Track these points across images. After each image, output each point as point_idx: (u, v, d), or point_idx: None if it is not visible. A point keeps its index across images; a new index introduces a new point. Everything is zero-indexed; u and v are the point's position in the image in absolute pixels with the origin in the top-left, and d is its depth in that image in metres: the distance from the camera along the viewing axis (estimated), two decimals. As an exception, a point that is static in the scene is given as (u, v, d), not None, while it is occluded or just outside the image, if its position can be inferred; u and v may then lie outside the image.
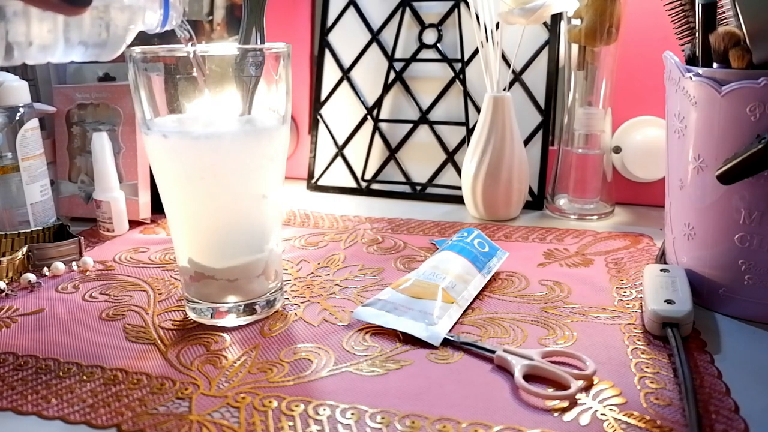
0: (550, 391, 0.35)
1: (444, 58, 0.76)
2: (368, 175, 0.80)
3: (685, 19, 0.48)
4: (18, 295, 0.50)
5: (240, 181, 0.41)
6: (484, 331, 0.43)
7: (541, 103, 0.72)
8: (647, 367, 0.38)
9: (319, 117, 0.82)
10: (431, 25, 0.77)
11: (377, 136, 0.79)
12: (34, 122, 0.61)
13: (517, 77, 0.73)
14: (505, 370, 0.38)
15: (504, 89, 0.68)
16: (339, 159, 0.82)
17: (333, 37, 0.81)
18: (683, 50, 0.48)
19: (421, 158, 0.78)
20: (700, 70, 0.42)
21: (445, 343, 0.41)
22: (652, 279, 0.45)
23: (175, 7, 0.38)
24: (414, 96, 0.78)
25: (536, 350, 0.38)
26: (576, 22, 0.63)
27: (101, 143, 0.62)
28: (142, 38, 0.42)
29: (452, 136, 0.76)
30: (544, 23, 0.72)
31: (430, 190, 0.77)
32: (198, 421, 0.33)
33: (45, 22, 0.34)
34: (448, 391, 0.36)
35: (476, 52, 0.74)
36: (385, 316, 0.43)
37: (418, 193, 0.77)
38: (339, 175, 0.81)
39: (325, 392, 0.36)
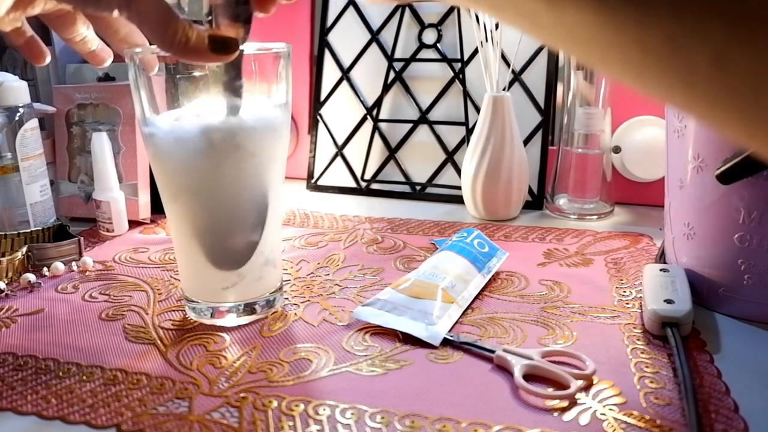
0: (549, 390, 0.35)
1: (444, 58, 0.76)
2: (368, 175, 0.80)
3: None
4: (18, 295, 0.50)
5: (240, 181, 0.41)
6: (483, 330, 0.43)
7: (541, 103, 0.72)
8: (647, 367, 0.38)
9: (318, 117, 0.82)
10: (431, 25, 0.77)
11: (377, 136, 0.79)
12: (33, 122, 0.61)
13: (516, 77, 0.73)
14: (504, 369, 0.38)
15: (504, 89, 0.68)
16: (339, 159, 0.81)
17: (333, 37, 0.81)
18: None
19: (420, 158, 0.78)
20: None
21: (445, 342, 0.41)
22: (652, 279, 0.45)
23: None
24: (414, 96, 0.78)
25: (536, 350, 0.38)
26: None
27: (101, 143, 0.62)
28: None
29: (452, 136, 0.76)
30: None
31: (430, 190, 0.77)
32: (198, 421, 0.33)
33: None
34: (447, 390, 0.36)
35: (476, 52, 0.74)
36: (385, 316, 0.43)
37: (418, 193, 0.77)
38: (339, 175, 0.81)
39: (325, 392, 0.36)
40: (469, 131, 0.75)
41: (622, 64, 0.18)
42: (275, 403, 0.35)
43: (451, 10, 0.76)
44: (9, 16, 0.36)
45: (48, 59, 0.43)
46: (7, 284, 0.51)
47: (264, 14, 0.37)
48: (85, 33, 0.41)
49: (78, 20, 0.40)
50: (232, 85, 0.39)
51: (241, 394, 0.36)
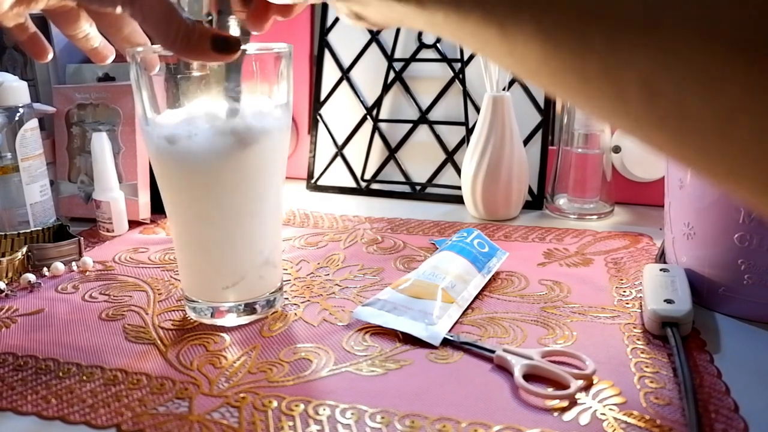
0: (549, 390, 0.35)
1: (443, 58, 0.76)
2: (368, 175, 0.80)
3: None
4: (18, 296, 0.50)
5: (240, 181, 0.41)
6: (483, 330, 0.43)
7: (541, 103, 0.72)
8: (647, 367, 0.38)
9: (318, 117, 0.82)
10: (431, 25, 0.77)
11: (377, 136, 0.79)
12: (33, 122, 0.61)
13: (516, 77, 0.73)
14: (504, 369, 0.38)
15: (503, 89, 0.68)
16: (339, 159, 0.81)
17: (332, 37, 0.81)
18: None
19: (420, 158, 0.78)
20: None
21: (445, 342, 0.41)
22: (652, 278, 0.45)
23: None
24: (414, 96, 0.78)
25: (536, 350, 0.38)
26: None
27: (101, 143, 0.62)
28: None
29: (452, 135, 0.76)
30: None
31: (430, 190, 0.77)
32: (198, 421, 0.33)
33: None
34: (447, 390, 0.36)
35: (476, 52, 0.74)
36: (385, 316, 0.43)
37: (418, 193, 0.77)
38: (339, 175, 0.81)
39: (325, 392, 0.36)
40: (469, 131, 0.75)
41: (567, 91, 0.19)
42: (275, 403, 0.35)
43: (451, 10, 0.76)
44: (12, 11, 0.36)
45: (50, 55, 0.43)
46: (7, 284, 0.51)
47: (258, 32, 0.37)
48: (88, 30, 0.41)
49: (81, 17, 0.40)
50: (232, 91, 0.39)
51: (241, 394, 0.36)
